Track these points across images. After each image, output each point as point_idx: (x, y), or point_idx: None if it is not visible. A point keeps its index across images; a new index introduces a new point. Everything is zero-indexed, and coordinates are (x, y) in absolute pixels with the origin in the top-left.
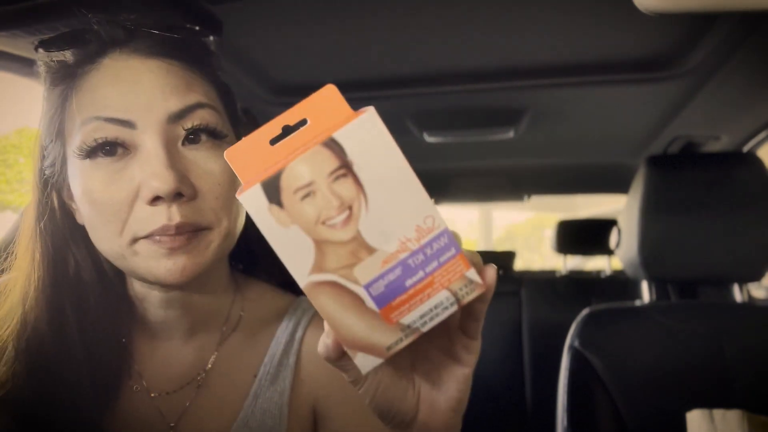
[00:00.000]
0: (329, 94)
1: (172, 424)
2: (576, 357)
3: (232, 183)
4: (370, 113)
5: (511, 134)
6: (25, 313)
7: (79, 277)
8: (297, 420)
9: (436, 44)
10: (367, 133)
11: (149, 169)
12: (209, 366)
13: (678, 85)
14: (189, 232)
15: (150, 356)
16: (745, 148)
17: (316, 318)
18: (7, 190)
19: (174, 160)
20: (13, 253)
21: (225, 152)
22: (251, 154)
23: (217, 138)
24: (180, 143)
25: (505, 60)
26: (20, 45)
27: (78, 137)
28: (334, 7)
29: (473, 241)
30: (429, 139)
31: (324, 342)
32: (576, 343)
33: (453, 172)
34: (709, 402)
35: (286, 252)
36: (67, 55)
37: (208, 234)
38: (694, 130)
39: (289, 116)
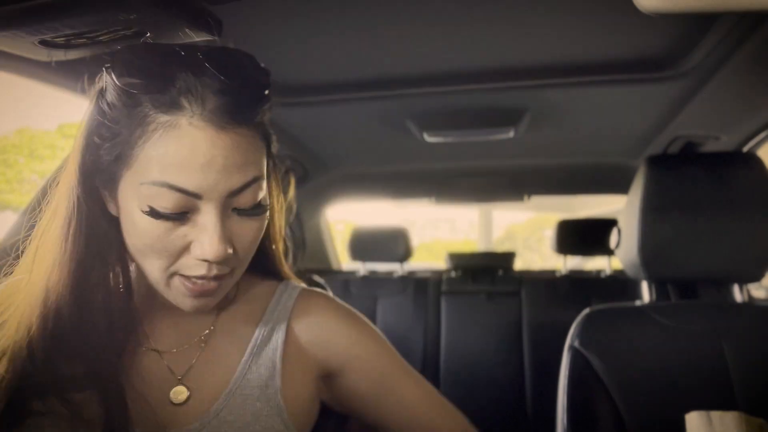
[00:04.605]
0: None
1: (179, 377)
2: (576, 357)
3: (258, 238)
4: None
5: (511, 134)
6: (49, 280)
7: (104, 255)
8: (293, 372)
9: (436, 44)
10: None
11: (205, 237)
12: (211, 327)
13: (678, 85)
14: (216, 282)
15: (158, 322)
16: (745, 148)
17: (302, 293)
18: (7, 190)
19: (225, 229)
20: (41, 227)
21: None
22: None
23: (259, 208)
24: (231, 209)
25: (505, 60)
26: (20, 45)
27: (146, 192)
28: (335, 8)
29: (473, 241)
30: (429, 139)
31: None
32: (576, 343)
33: (453, 172)
34: (708, 402)
35: None
36: (143, 97)
37: (229, 277)
38: (694, 130)
39: None
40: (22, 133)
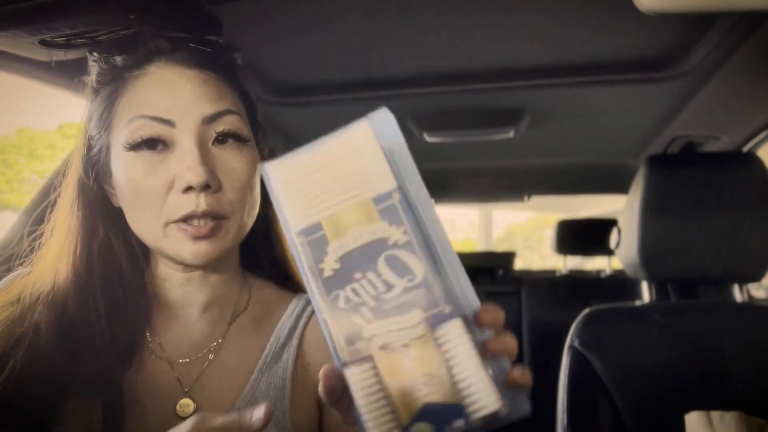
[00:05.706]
0: None
1: (186, 390)
2: (576, 357)
3: (249, 181)
4: None
5: (511, 134)
6: (57, 274)
7: (110, 249)
8: (301, 394)
9: (436, 44)
10: None
11: (184, 163)
12: (221, 339)
13: (678, 85)
14: (212, 223)
15: (168, 329)
16: (745, 148)
17: None
18: (7, 190)
19: (205, 157)
20: (51, 222)
21: None
22: None
23: (241, 141)
24: (210, 143)
25: (505, 60)
26: (20, 45)
27: (125, 132)
28: (334, 7)
29: (473, 241)
30: (429, 139)
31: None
32: (576, 343)
33: (453, 172)
34: (708, 402)
35: None
36: (117, 59)
37: (227, 223)
38: (694, 130)
39: None
40: (22, 133)
